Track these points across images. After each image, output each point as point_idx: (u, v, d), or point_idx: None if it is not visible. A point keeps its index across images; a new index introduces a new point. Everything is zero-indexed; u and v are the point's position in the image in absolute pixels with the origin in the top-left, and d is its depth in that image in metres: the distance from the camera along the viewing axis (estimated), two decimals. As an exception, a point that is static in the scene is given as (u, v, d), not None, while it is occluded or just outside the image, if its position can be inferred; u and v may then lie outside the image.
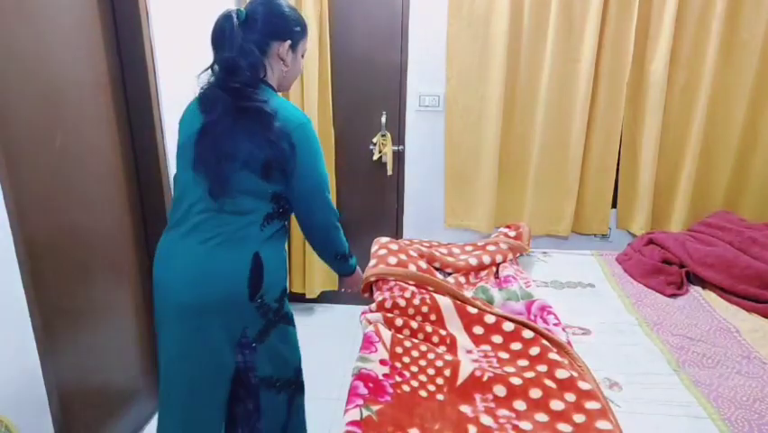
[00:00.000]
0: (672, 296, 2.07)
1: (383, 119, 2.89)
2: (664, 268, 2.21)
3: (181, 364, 1.42)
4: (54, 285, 1.63)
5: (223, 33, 1.40)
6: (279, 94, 1.48)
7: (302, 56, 1.50)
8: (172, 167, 2.07)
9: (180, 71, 2.11)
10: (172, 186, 2.09)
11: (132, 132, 1.98)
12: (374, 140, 2.93)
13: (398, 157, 2.99)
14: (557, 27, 2.65)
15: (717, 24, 2.58)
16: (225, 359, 1.42)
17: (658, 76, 2.67)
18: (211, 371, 1.42)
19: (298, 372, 1.60)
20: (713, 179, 2.86)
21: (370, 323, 1.64)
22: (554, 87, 2.73)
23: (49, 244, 1.61)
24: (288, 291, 1.52)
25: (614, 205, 3.00)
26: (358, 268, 1.72)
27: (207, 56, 2.44)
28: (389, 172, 2.94)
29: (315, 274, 3.02)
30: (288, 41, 1.42)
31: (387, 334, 1.56)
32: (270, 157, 1.32)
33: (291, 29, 1.43)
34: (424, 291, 1.81)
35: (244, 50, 1.37)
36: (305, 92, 2.74)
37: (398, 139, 2.97)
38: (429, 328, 1.67)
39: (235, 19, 1.38)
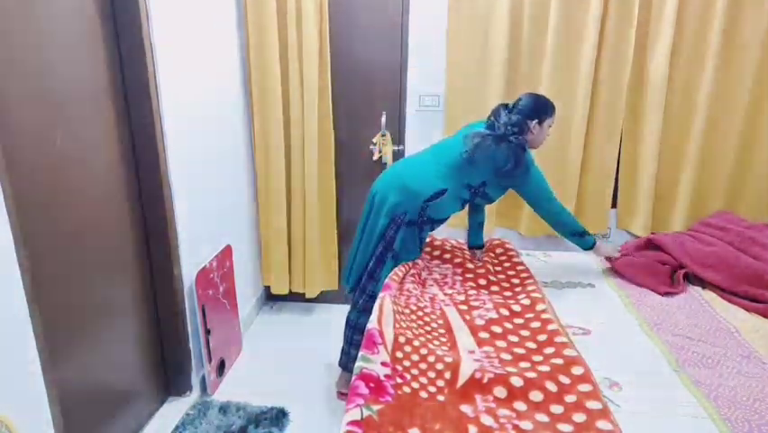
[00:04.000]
0: (667, 294, 2.07)
1: (383, 119, 2.89)
2: (656, 266, 2.21)
3: (366, 216, 2.23)
4: (54, 285, 1.63)
5: (496, 115, 2.17)
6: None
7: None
8: (172, 167, 2.08)
9: (180, 71, 2.11)
10: (172, 185, 2.09)
11: (132, 132, 1.98)
12: (374, 140, 2.93)
13: (398, 157, 2.99)
14: (557, 27, 2.65)
15: (717, 24, 2.58)
16: (381, 220, 2.13)
17: (658, 76, 2.67)
18: (373, 223, 2.17)
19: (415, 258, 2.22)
20: (713, 179, 2.86)
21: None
22: (554, 88, 2.73)
23: (49, 244, 1.60)
24: (435, 226, 2.17)
25: (614, 205, 3.00)
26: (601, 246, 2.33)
27: (207, 56, 2.46)
28: (389, 172, 2.95)
29: (316, 274, 3.02)
30: (536, 121, 2.10)
31: (389, 336, 1.56)
32: (491, 168, 2.13)
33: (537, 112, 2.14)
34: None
35: (512, 123, 2.11)
36: (305, 92, 2.74)
37: (398, 139, 2.97)
38: (434, 324, 1.68)
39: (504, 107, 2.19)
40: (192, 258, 2.25)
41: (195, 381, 2.35)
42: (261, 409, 2.23)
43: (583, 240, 2.26)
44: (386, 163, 2.91)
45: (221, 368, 2.46)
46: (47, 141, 1.59)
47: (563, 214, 2.22)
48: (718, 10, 2.55)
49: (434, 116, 2.89)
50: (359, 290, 2.20)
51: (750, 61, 2.65)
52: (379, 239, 2.13)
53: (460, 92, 2.81)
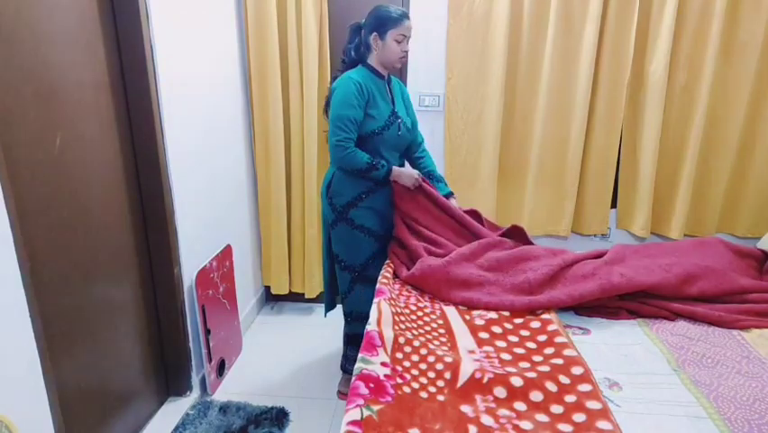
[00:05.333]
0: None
1: (383, 119, 2.89)
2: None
3: None
4: (54, 285, 1.63)
5: (349, 35, 2.15)
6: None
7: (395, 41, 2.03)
8: (172, 167, 2.08)
9: (180, 71, 2.11)
10: (172, 184, 2.09)
11: (132, 132, 1.98)
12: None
13: (398, 157, 2.99)
14: (557, 27, 2.65)
15: (716, 24, 2.58)
16: (324, 232, 2.31)
17: (658, 76, 2.67)
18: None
19: (362, 268, 2.19)
20: (713, 179, 2.86)
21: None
22: (554, 88, 2.73)
23: (49, 244, 1.60)
24: (363, 209, 2.12)
25: (614, 205, 3.00)
26: (394, 170, 2.10)
27: (207, 56, 2.45)
28: (389, 172, 2.95)
29: (315, 274, 3.02)
30: (374, 34, 2.04)
31: (389, 337, 1.56)
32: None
33: (376, 24, 2.04)
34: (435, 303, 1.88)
35: (352, 43, 2.15)
36: (305, 93, 2.74)
37: (398, 139, 2.96)
38: (434, 324, 1.68)
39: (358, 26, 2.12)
40: (192, 258, 2.25)
41: (195, 381, 2.35)
42: (261, 409, 2.23)
43: (378, 172, 2.06)
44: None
45: (221, 368, 2.46)
46: (47, 141, 1.59)
47: (348, 156, 2.02)
48: (718, 10, 2.56)
49: (435, 116, 2.89)
50: (343, 310, 2.33)
51: (750, 61, 2.65)
52: (326, 254, 2.32)
53: (460, 92, 2.81)
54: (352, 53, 2.11)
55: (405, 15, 2.01)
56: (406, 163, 2.35)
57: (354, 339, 2.23)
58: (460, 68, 2.78)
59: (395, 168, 2.10)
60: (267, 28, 2.64)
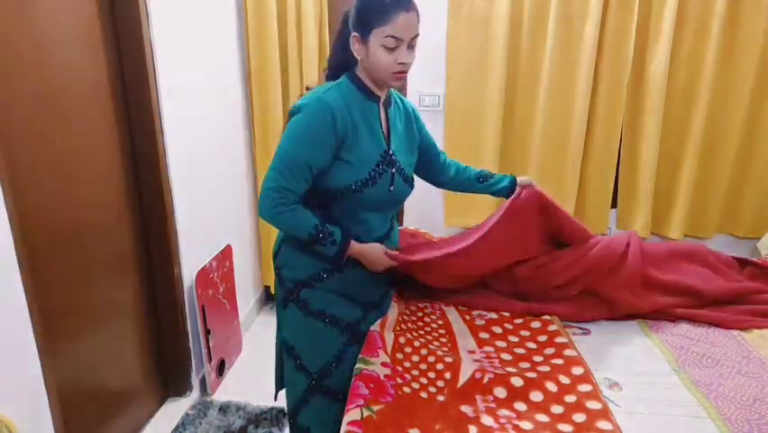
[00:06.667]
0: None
1: (383, 119, 2.88)
2: None
3: None
4: (54, 285, 1.63)
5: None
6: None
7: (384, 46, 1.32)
8: (172, 167, 2.08)
9: (180, 71, 2.11)
10: (172, 185, 2.09)
11: (132, 132, 1.98)
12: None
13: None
14: (557, 27, 2.65)
15: (717, 24, 2.57)
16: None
17: (658, 76, 2.67)
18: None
19: (324, 374, 1.48)
20: (713, 179, 2.86)
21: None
22: (554, 88, 2.73)
23: (49, 243, 1.60)
24: (321, 290, 1.46)
25: (614, 205, 3.00)
26: (353, 246, 1.43)
27: (207, 56, 2.45)
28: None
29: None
30: (354, 34, 1.35)
31: (389, 338, 1.56)
32: None
33: (357, 18, 1.35)
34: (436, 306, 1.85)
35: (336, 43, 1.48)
36: (305, 93, 2.74)
37: (398, 139, 2.97)
38: (434, 325, 1.68)
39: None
40: (192, 258, 2.25)
41: (195, 381, 2.35)
42: (261, 409, 2.23)
43: (325, 248, 1.42)
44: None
45: (221, 368, 2.46)
46: (47, 141, 1.59)
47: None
48: (718, 10, 2.55)
49: (435, 116, 2.89)
50: None
51: (750, 61, 2.64)
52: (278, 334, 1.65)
53: (460, 92, 2.81)
54: (340, 53, 1.44)
55: (399, 4, 1.28)
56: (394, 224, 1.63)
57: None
58: (460, 68, 2.78)
59: (354, 245, 1.41)
60: (267, 28, 2.64)
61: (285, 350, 1.54)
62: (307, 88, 1.50)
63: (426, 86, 2.85)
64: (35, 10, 1.53)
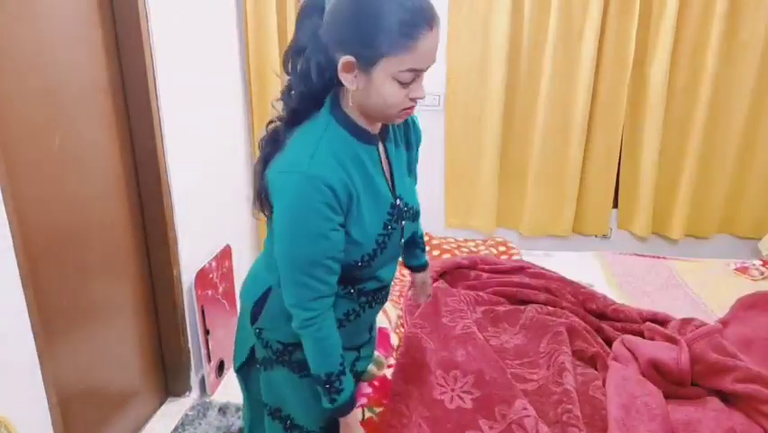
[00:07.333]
0: None
1: (383, 119, 2.88)
2: None
3: None
4: (53, 285, 1.62)
5: (296, 24, 1.03)
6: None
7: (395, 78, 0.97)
8: (172, 167, 2.07)
9: (180, 71, 2.10)
10: (172, 185, 2.09)
11: (131, 132, 1.98)
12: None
13: (398, 157, 2.98)
14: (557, 27, 2.64)
15: (717, 25, 2.57)
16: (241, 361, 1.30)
17: (659, 76, 2.66)
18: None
19: (327, 428, 1.22)
20: (714, 179, 2.85)
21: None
22: (555, 88, 2.73)
23: (48, 244, 1.60)
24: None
25: (615, 205, 2.99)
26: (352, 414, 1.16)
27: (207, 56, 2.44)
28: (390, 172, 2.92)
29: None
30: (348, 58, 0.95)
31: (394, 340, 1.56)
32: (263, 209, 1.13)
33: (354, 36, 0.94)
34: None
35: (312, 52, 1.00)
36: (305, 92, 2.74)
37: (399, 139, 2.96)
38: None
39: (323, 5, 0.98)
40: (191, 258, 2.24)
41: (194, 381, 2.34)
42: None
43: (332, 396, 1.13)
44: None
45: (220, 368, 2.45)
46: (47, 140, 1.59)
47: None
48: (719, 10, 2.55)
49: (435, 116, 2.88)
50: None
51: (751, 61, 2.64)
52: (246, 396, 1.38)
53: (460, 92, 2.80)
54: (312, 81, 1.00)
55: (423, 19, 0.96)
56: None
57: None
58: (460, 67, 2.78)
59: (353, 415, 1.15)
60: (267, 28, 2.63)
61: (268, 414, 1.26)
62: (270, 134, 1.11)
63: (427, 86, 2.83)
64: (35, 10, 1.53)
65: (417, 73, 0.98)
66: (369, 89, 0.97)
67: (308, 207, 0.97)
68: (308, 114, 1.05)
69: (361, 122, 1.05)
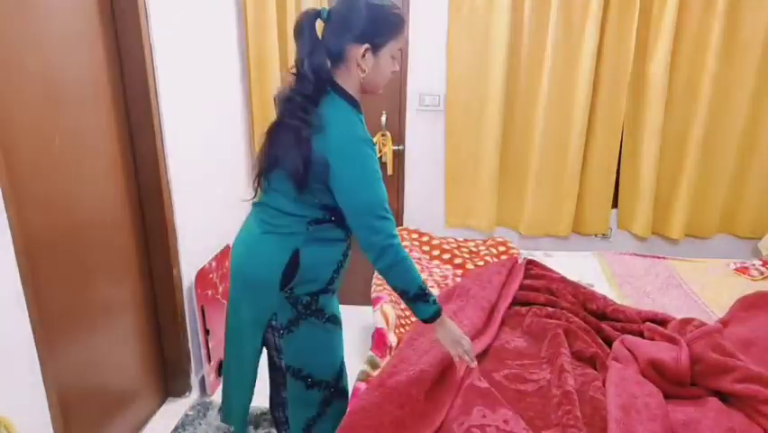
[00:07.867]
0: None
1: (383, 119, 2.88)
2: None
3: (227, 331, 1.57)
4: (53, 285, 1.62)
5: (299, 33, 1.34)
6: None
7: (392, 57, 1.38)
8: (172, 167, 2.07)
9: (180, 71, 2.10)
10: (172, 185, 2.09)
11: (131, 132, 1.98)
12: (374, 139, 2.93)
13: (398, 157, 2.99)
14: (557, 27, 2.64)
15: (717, 24, 2.57)
16: (248, 339, 1.48)
17: (659, 76, 2.66)
18: (237, 345, 1.53)
19: (338, 376, 1.52)
20: (714, 179, 2.86)
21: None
22: (555, 87, 2.73)
23: (48, 243, 1.60)
24: (331, 293, 1.46)
25: (615, 205, 2.99)
26: (447, 322, 1.40)
27: (207, 56, 2.44)
28: (390, 172, 2.94)
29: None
30: (366, 45, 1.32)
31: (393, 341, 1.56)
32: (306, 173, 1.31)
33: (369, 30, 1.32)
34: None
35: (315, 54, 1.32)
36: (305, 92, 2.74)
37: (399, 139, 2.96)
38: None
39: (317, 18, 1.34)
40: (191, 258, 2.25)
41: (194, 381, 2.34)
42: (261, 409, 2.22)
43: (427, 306, 1.37)
44: (385, 163, 2.91)
45: (220, 369, 2.45)
46: (47, 141, 1.59)
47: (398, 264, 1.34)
48: (719, 10, 2.55)
49: (435, 116, 2.88)
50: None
51: (751, 61, 2.64)
52: (251, 374, 1.55)
53: (460, 92, 2.80)
54: (326, 65, 1.35)
55: (403, 19, 1.39)
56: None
57: None
58: (460, 68, 2.78)
59: (445, 317, 1.40)
60: (267, 27, 2.63)
61: (291, 375, 1.47)
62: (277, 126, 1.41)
63: (426, 86, 2.85)
64: (35, 10, 1.53)
65: (399, 51, 1.41)
66: (377, 68, 1.36)
67: (373, 160, 1.32)
68: (320, 96, 1.34)
69: (355, 95, 1.39)
